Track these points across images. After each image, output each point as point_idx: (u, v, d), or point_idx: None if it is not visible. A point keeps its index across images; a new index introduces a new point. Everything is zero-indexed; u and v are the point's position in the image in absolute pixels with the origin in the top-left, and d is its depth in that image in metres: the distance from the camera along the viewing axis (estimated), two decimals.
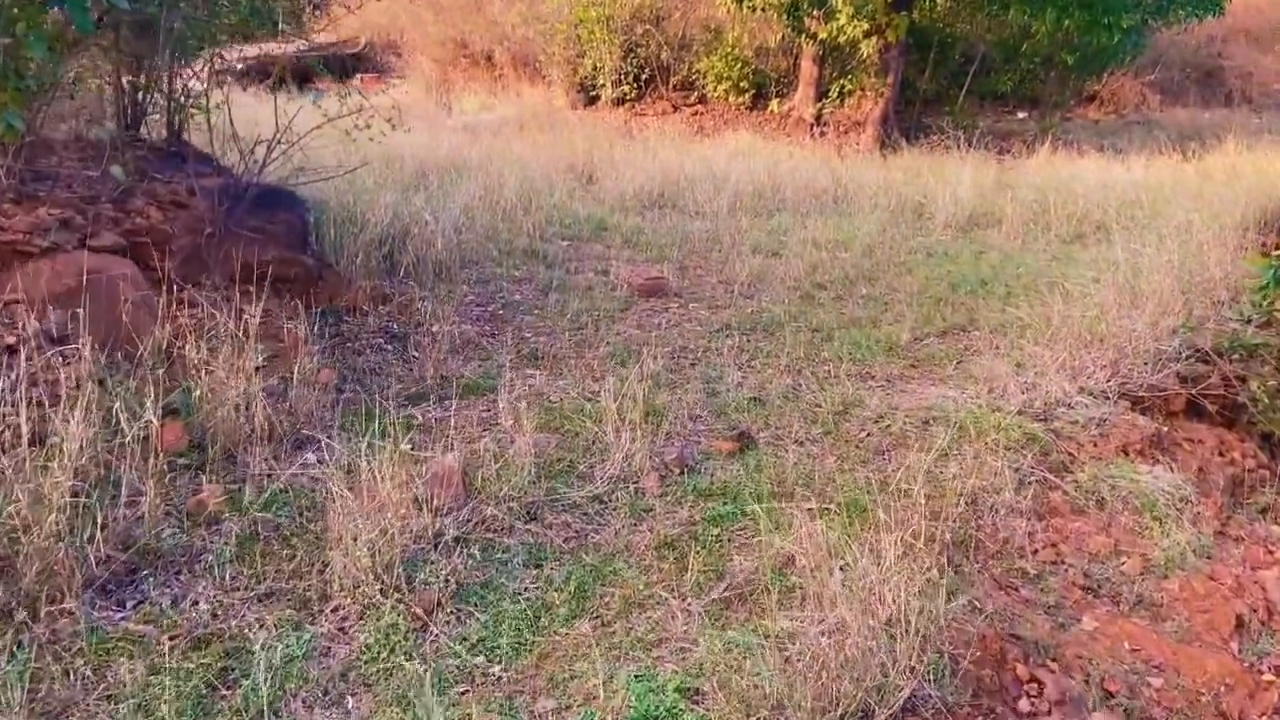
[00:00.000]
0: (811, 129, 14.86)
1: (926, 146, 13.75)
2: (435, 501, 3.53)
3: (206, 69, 5.86)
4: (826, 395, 4.91)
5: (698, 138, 14.49)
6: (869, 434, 4.52)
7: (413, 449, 3.73)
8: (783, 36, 15.23)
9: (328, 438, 3.90)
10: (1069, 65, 14.96)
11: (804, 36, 14.09)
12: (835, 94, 14.86)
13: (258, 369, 4.13)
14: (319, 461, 3.89)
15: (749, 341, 5.81)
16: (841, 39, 13.29)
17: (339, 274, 5.92)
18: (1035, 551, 3.72)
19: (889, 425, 4.58)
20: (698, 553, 3.42)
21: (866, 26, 13.00)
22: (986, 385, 4.96)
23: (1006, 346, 5.58)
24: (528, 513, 3.70)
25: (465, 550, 3.41)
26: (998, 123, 16.55)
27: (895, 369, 5.36)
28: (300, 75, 12.71)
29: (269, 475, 3.77)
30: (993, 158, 12.08)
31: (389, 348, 5.41)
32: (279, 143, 5.60)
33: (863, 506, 3.63)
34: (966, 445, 4.29)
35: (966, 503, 3.85)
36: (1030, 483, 4.11)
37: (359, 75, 19.20)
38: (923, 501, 3.44)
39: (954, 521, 3.62)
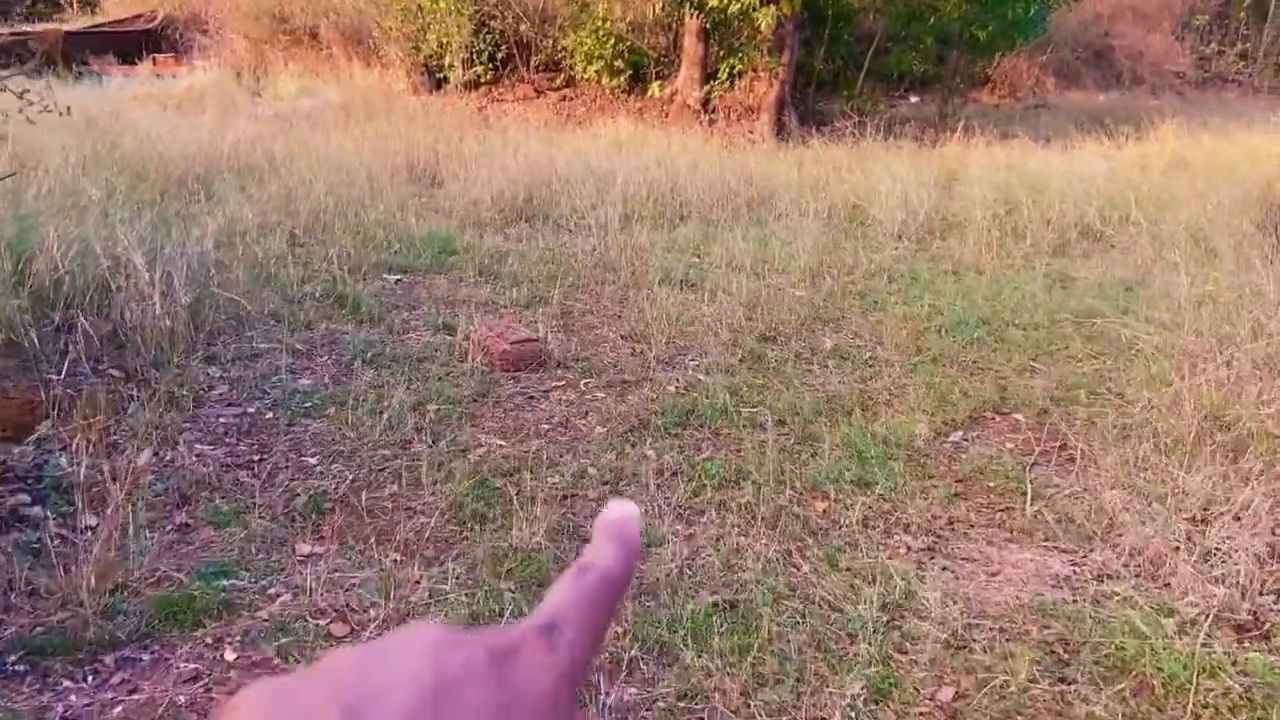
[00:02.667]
0: (699, 115, 12.76)
1: (829, 135, 11.89)
2: None
3: None
4: (844, 581, 2.73)
5: (568, 127, 12.16)
6: (954, 702, 2.34)
7: None
8: (662, 7, 13.07)
9: None
10: (978, 43, 13.38)
11: (687, 7, 11.95)
12: (725, 75, 12.80)
13: None
14: None
15: (684, 455, 3.56)
16: (733, 9, 11.20)
17: None
18: None
19: (981, 661, 2.43)
20: None
21: None
22: (1110, 545, 2.88)
23: (1091, 449, 3.54)
24: None
25: None
26: (892, 107, 14.93)
27: (934, 506, 3.21)
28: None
29: None
30: (920, 147, 10.27)
31: (18, 526, 2.89)
32: None
33: None
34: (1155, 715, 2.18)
35: None
36: None
37: (152, 56, 16.00)
38: None
39: None
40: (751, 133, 12.44)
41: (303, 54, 15.26)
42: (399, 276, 5.57)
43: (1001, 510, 3.18)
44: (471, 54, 13.44)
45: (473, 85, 13.70)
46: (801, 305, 5.26)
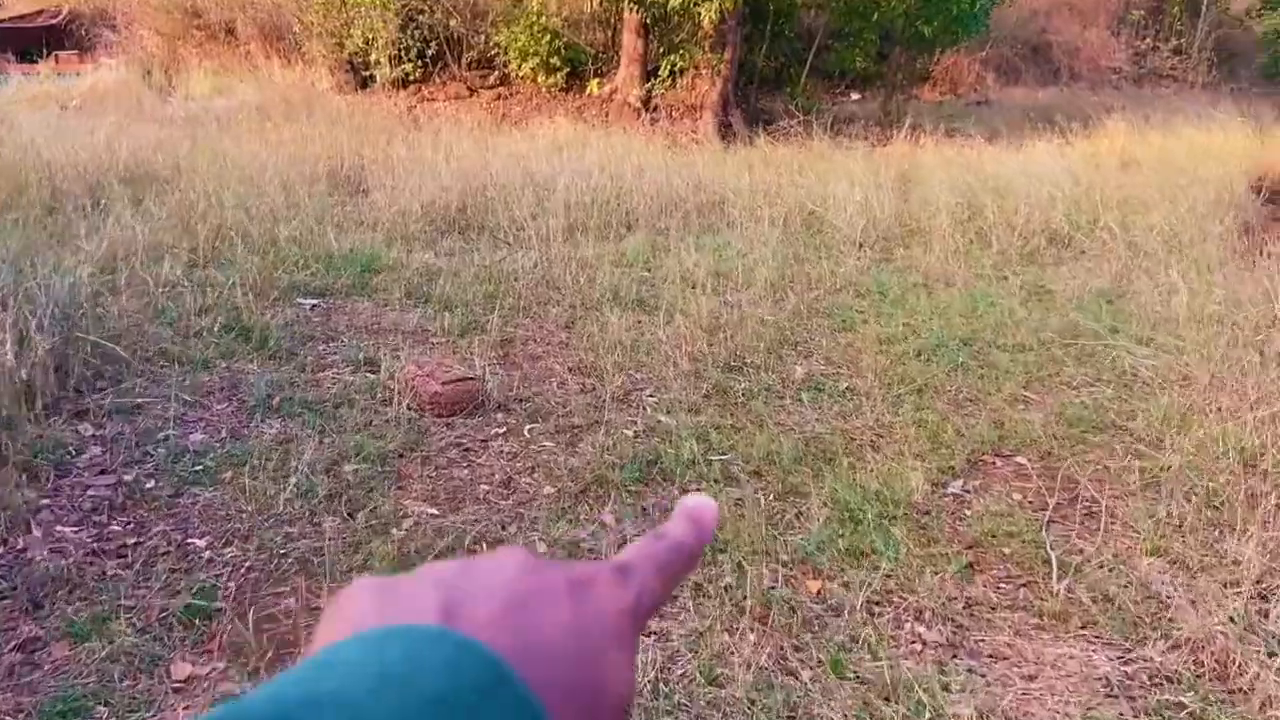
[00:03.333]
0: (640, 115, 12.23)
1: (775, 134, 11.48)
2: None
3: None
4: (855, 697, 2.23)
5: (503, 127, 11.53)
6: None
7: None
8: (599, 2, 12.51)
9: None
10: (922, 39, 13.09)
11: (625, 1, 11.41)
12: (666, 73, 12.29)
13: None
14: None
15: (649, 520, 3.04)
16: (673, 4, 10.69)
17: None
18: None
19: None
20: None
21: None
22: (1162, 635, 2.43)
23: (1113, 504, 3.10)
24: None
25: None
26: (834, 105, 14.60)
27: (947, 583, 2.73)
28: None
29: None
30: (871, 147, 9.89)
31: None
32: None
33: None
34: None
35: None
36: None
37: (54, 55, 14.90)
38: None
39: None
40: (695, 132, 11.96)
41: (219, 51, 14.34)
42: (316, 301, 4.94)
43: (1024, 585, 2.72)
44: (400, 51, 12.72)
45: (401, 84, 12.98)
46: (767, 327, 4.77)
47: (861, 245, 6.51)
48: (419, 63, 12.81)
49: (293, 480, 3.11)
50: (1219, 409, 3.53)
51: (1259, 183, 7.99)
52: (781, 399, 4.02)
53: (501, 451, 3.48)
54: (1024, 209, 6.90)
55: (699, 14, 10.74)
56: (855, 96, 16.31)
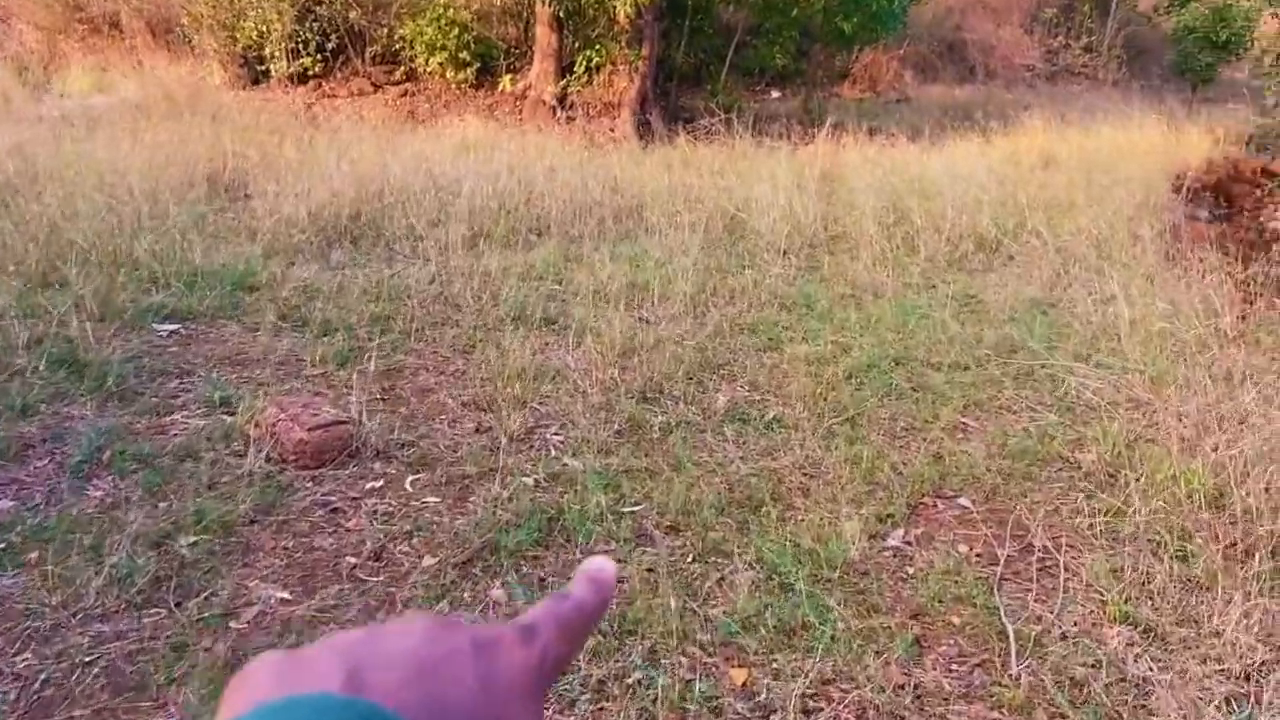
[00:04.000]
0: (555, 113, 11.73)
1: (695, 133, 11.11)
2: None
3: None
4: None
5: (409, 126, 10.89)
6: None
7: None
8: None
9: None
10: (842, 35, 12.87)
11: None
12: (581, 69, 11.81)
13: None
14: None
15: (543, 586, 2.58)
16: None
17: None
18: None
19: None
20: None
21: None
22: None
23: (1070, 558, 2.75)
24: None
25: None
26: (755, 103, 14.32)
27: (893, 668, 2.33)
28: None
29: None
30: (793, 147, 9.56)
31: None
32: None
33: None
34: None
35: None
36: None
37: None
38: None
39: None
40: (613, 131, 11.52)
41: (103, 46, 13.33)
42: (175, 327, 4.34)
43: (979, 665, 2.34)
44: (297, 44, 11.97)
45: (300, 79, 12.23)
46: (686, 349, 4.34)
47: (786, 253, 6.14)
48: (318, 56, 12.08)
49: (111, 561, 2.56)
50: (1175, 438, 3.22)
51: (1178, 182, 7.89)
52: (702, 433, 3.60)
53: (376, 511, 2.97)
54: (950, 212, 6.63)
55: (613, 7, 10.28)
56: (776, 94, 16.07)
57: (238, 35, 11.88)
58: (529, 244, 6.22)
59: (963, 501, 3.15)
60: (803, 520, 2.96)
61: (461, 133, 9.94)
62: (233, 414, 3.44)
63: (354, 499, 3.04)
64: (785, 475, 3.28)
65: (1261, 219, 6.56)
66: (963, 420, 3.78)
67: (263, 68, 12.08)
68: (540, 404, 3.77)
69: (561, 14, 11.40)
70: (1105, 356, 4.16)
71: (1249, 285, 5.07)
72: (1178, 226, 6.20)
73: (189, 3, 12.12)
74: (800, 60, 15.68)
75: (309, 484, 3.10)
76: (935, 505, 3.14)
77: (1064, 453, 3.42)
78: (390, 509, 2.99)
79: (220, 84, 12.21)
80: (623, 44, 11.58)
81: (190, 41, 12.50)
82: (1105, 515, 2.93)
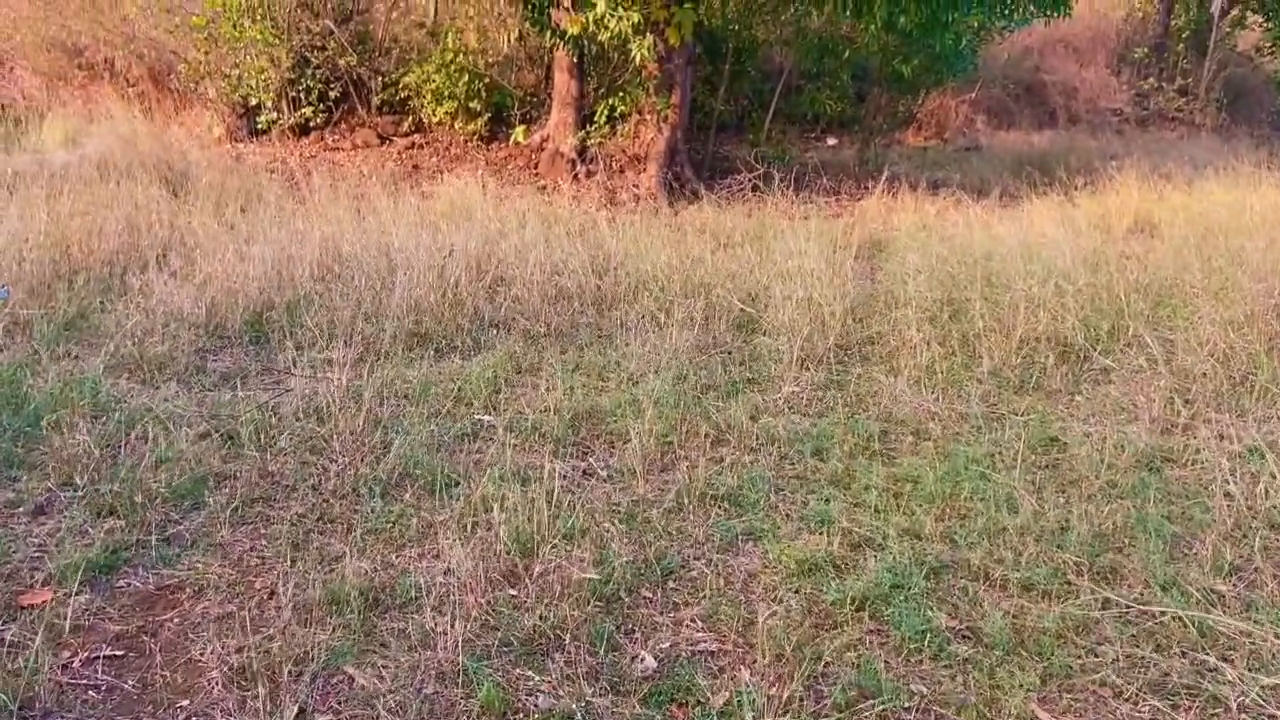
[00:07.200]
0: (574, 166, 10.50)
1: (729, 190, 9.77)
2: None
3: None
4: None
5: (410, 183, 9.75)
6: None
7: None
8: (521, 36, 10.84)
9: None
10: (902, 79, 11.41)
11: (549, 36, 9.72)
12: (603, 118, 10.57)
13: None
14: None
15: None
16: (603, 37, 8.97)
17: None
18: None
19: None
20: None
21: (637, 19, 8.74)
22: None
23: None
24: None
25: None
26: (806, 153, 12.91)
27: None
28: None
29: None
30: (837, 209, 8.11)
31: None
32: None
33: None
34: None
35: None
36: None
37: None
38: None
39: None
40: (637, 187, 10.22)
41: (103, 93, 12.63)
42: None
43: None
44: (298, 92, 11.01)
45: (302, 130, 11.26)
46: (618, 548, 2.93)
47: (804, 363, 4.70)
48: (320, 106, 11.09)
49: None
50: None
51: None
52: None
53: None
54: (1022, 307, 5.10)
55: (631, 51, 9.02)
56: (832, 142, 14.67)
57: (238, 85, 10.96)
58: (475, 345, 4.90)
59: None
60: None
61: (460, 192, 8.73)
62: None
63: None
64: None
65: None
66: (1036, 713, 2.28)
67: (260, 119, 11.13)
68: (346, 685, 2.39)
69: (582, 58, 10.21)
70: (1263, 577, 2.62)
71: None
72: None
73: (182, 49, 11.29)
74: (858, 105, 14.23)
75: None
76: None
77: None
78: None
79: (220, 136, 11.32)
80: (650, 91, 10.30)
81: (196, 89, 11.67)
82: None
